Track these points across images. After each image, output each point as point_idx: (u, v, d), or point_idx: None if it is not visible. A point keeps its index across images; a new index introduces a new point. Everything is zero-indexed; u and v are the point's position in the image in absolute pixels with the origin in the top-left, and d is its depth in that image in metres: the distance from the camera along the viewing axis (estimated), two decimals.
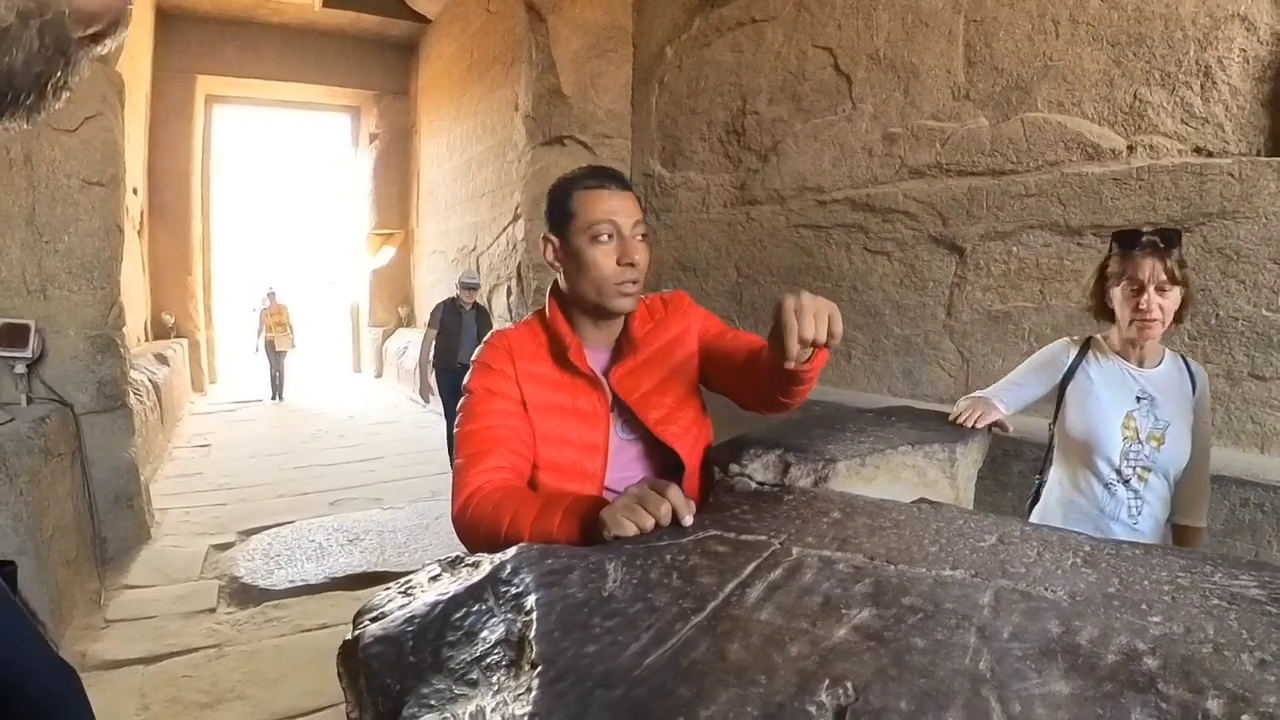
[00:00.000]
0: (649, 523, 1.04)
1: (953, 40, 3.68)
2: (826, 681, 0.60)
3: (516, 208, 7.36)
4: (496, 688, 0.66)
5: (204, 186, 11.77)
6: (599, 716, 0.57)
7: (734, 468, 1.35)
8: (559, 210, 1.45)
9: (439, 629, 0.79)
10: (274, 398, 10.85)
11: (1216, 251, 2.83)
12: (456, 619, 0.79)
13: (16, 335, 3.89)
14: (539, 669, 0.64)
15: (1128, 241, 1.91)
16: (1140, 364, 2.00)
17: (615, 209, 1.40)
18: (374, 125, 12.80)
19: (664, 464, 1.48)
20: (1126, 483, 1.95)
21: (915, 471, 1.40)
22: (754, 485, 1.31)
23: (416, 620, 0.82)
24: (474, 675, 0.70)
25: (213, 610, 3.81)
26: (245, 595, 3.96)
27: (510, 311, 7.79)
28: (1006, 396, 2.11)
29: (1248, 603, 0.78)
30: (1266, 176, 2.69)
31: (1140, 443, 1.94)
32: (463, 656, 0.73)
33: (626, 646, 0.69)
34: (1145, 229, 1.90)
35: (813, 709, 0.56)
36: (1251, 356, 2.77)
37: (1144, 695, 0.60)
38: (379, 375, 12.70)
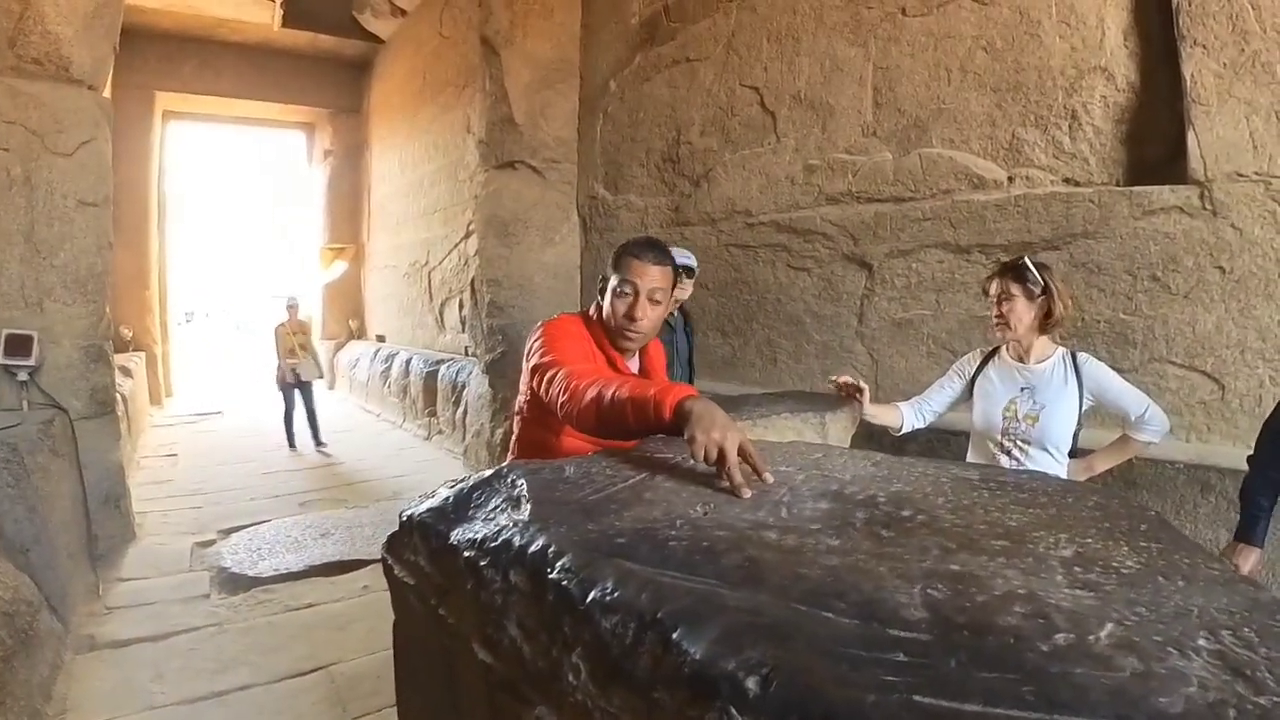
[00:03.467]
0: (717, 465, 1.26)
1: (863, 84, 4.24)
2: (700, 504, 1.11)
3: (469, 225, 7.77)
4: (507, 515, 1.14)
5: (160, 202, 11.89)
6: (563, 513, 1.07)
7: None
8: (615, 264, 1.99)
9: (465, 501, 1.25)
10: (293, 446, 8.26)
11: (1081, 266, 3.39)
12: (476, 496, 1.26)
13: (20, 345, 4.22)
14: (530, 502, 1.14)
15: (995, 270, 2.60)
16: (1024, 361, 2.58)
17: (639, 274, 1.92)
18: (328, 142, 13.06)
19: None
20: (1008, 453, 2.53)
21: (794, 431, 1.92)
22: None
23: (449, 499, 1.28)
24: (493, 515, 1.16)
25: (207, 596, 4.16)
26: (235, 583, 4.31)
27: (463, 324, 8.17)
28: (933, 398, 2.78)
29: (964, 480, 1.31)
30: (1121, 203, 3.25)
31: (1018, 421, 2.52)
32: (484, 510, 1.20)
33: (577, 494, 1.19)
34: (1003, 261, 2.61)
35: (692, 512, 1.07)
36: (1112, 352, 3.30)
37: (868, 509, 1.13)
38: (331, 387, 12.88)
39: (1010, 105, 3.65)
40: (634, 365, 2.08)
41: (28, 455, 3.62)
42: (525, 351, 1.99)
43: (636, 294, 1.91)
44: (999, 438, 2.56)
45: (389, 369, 9.97)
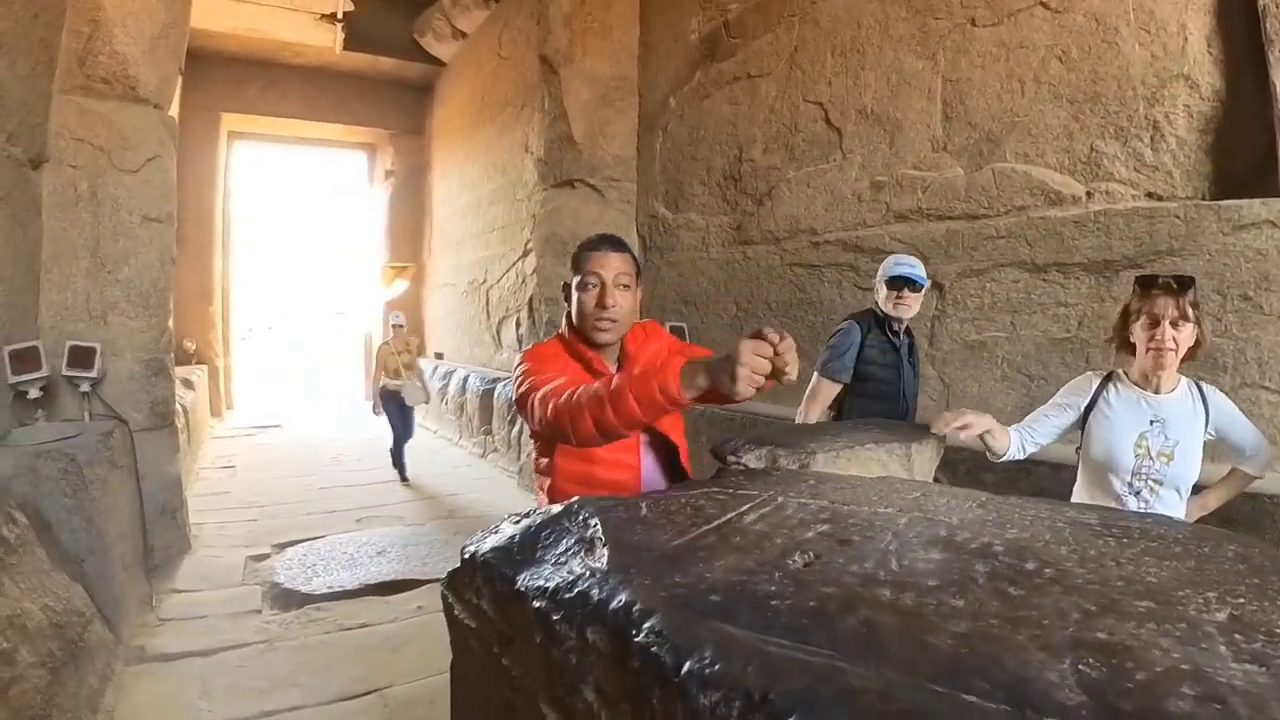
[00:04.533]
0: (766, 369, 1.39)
1: (932, 98, 4.10)
2: (798, 552, 0.99)
3: (527, 243, 7.76)
4: (580, 560, 1.03)
5: (225, 220, 12.15)
6: (645, 561, 0.96)
7: (731, 458, 1.74)
8: (573, 265, 1.97)
9: (534, 541, 1.15)
10: (404, 478, 7.56)
11: None
12: (545, 535, 1.16)
13: (84, 357, 4.27)
14: (607, 546, 1.03)
15: (1148, 283, 2.23)
16: (1156, 391, 2.27)
17: (600, 265, 1.90)
18: (389, 162, 13.26)
19: (663, 448, 1.98)
20: (1137, 494, 2.24)
21: (879, 464, 1.79)
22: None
23: (515, 539, 1.18)
24: (564, 559, 1.06)
25: (258, 612, 4.13)
26: (287, 599, 4.28)
27: (520, 342, 8.16)
28: (1039, 426, 2.44)
29: (1083, 525, 1.17)
30: (1209, 218, 3.07)
31: (1151, 459, 2.22)
32: (553, 553, 1.10)
33: (658, 538, 1.07)
34: (1163, 275, 2.23)
35: (789, 562, 0.95)
36: (1200, 378, 3.11)
37: (986, 560, 0.99)
38: None
39: (1088, 117, 3.49)
40: (612, 367, 1.99)
41: (86, 466, 3.64)
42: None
43: (602, 283, 1.89)
44: (1128, 477, 2.25)
45: (446, 386, 9.98)
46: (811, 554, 0.99)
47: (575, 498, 1.29)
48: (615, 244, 1.96)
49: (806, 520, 1.14)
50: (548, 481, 1.97)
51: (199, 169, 11.13)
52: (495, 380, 8.50)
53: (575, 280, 1.95)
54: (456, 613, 1.25)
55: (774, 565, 0.95)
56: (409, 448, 7.81)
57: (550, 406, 1.63)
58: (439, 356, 11.61)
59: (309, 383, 16.86)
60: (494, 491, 7.14)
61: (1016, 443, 2.40)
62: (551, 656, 0.89)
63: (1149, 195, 3.33)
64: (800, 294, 4.89)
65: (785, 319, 4.98)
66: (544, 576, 1.01)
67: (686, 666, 0.70)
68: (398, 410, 7.68)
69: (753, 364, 1.37)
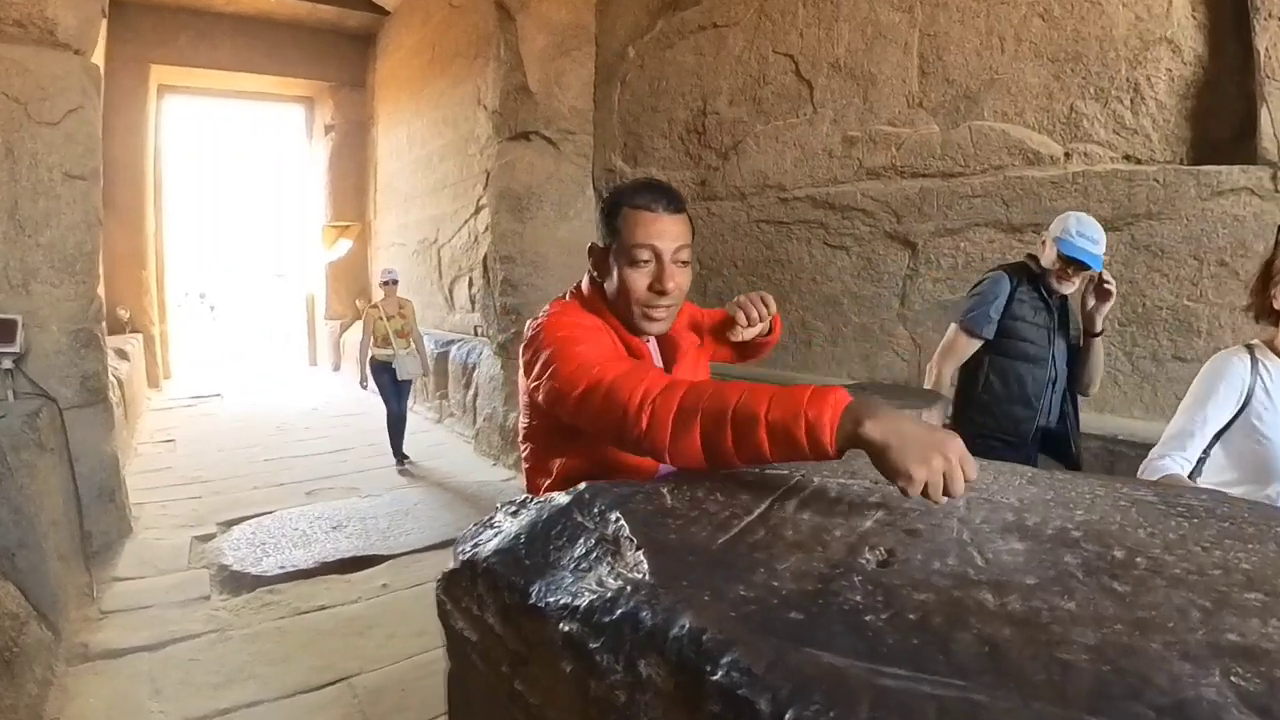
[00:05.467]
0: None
1: (908, 52, 3.97)
2: (866, 548, 0.86)
3: (479, 200, 7.48)
4: (610, 565, 0.88)
5: (156, 178, 11.55)
6: (694, 568, 0.81)
7: None
8: (609, 224, 1.52)
9: (544, 540, 1.00)
10: (401, 461, 6.62)
11: (1143, 249, 3.18)
12: (555, 533, 1.00)
13: (4, 331, 3.92)
14: (642, 549, 0.88)
15: None
16: None
17: (658, 233, 1.46)
18: (329, 116, 12.72)
19: None
20: None
21: None
22: None
23: (522, 539, 1.03)
24: (585, 565, 0.91)
25: (207, 598, 3.89)
26: (237, 582, 4.04)
27: (473, 303, 7.92)
28: (1199, 433, 1.88)
29: (1145, 503, 1.08)
30: (1187, 182, 3.04)
31: None
32: (570, 555, 0.95)
33: (698, 535, 0.92)
34: None
35: (863, 561, 0.82)
36: (1174, 341, 3.12)
37: (1072, 549, 0.88)
38: (337, 368, 12.67)
39: (1068, 76, 3.41)
40: (653, 345, 1.65)
41: (11, 452, 3.33)
42: (521, 363, 1.52)
43: (658, 259, 1.47)
44: None
45: None
46: (883, 550, 0.86)
47: (582, 484, 1.13)
48: (673, 201, 1.50)
49: (857, 505, 1.01)
50: (545, 482, 1.56)
51: (127, 124, 10.52)
52: (449, 343, 8.26)
53: (614, 246, 1.50)
54: (454, 622, 1.09)
55: (847, 566, 0.81)
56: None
57: (651, 413, 1.19)
58: None
59: (250, 349, 16.34)
60: (451, 458, 6.96)
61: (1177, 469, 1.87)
62: (589, 690, 0.75)
63: (1127, 158, 3.29)
64: (767, 251, 4.77)
65: (752, 277, 4.86)
66: (567, 589, 0.86)
67: (790, 715, 0.56)
68: (391, 385, 6.65)
69: (959, 461, 0.96)
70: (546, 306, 1.57)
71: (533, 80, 5.94)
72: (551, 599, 0.85)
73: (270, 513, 5.17)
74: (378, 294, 7.05)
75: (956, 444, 0.96)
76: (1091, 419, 3.20)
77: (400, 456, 6.64)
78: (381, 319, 6.66)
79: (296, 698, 2.97)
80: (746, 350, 1.98)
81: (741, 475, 1.16)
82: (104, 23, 4.70)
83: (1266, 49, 2.82)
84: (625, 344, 1.52)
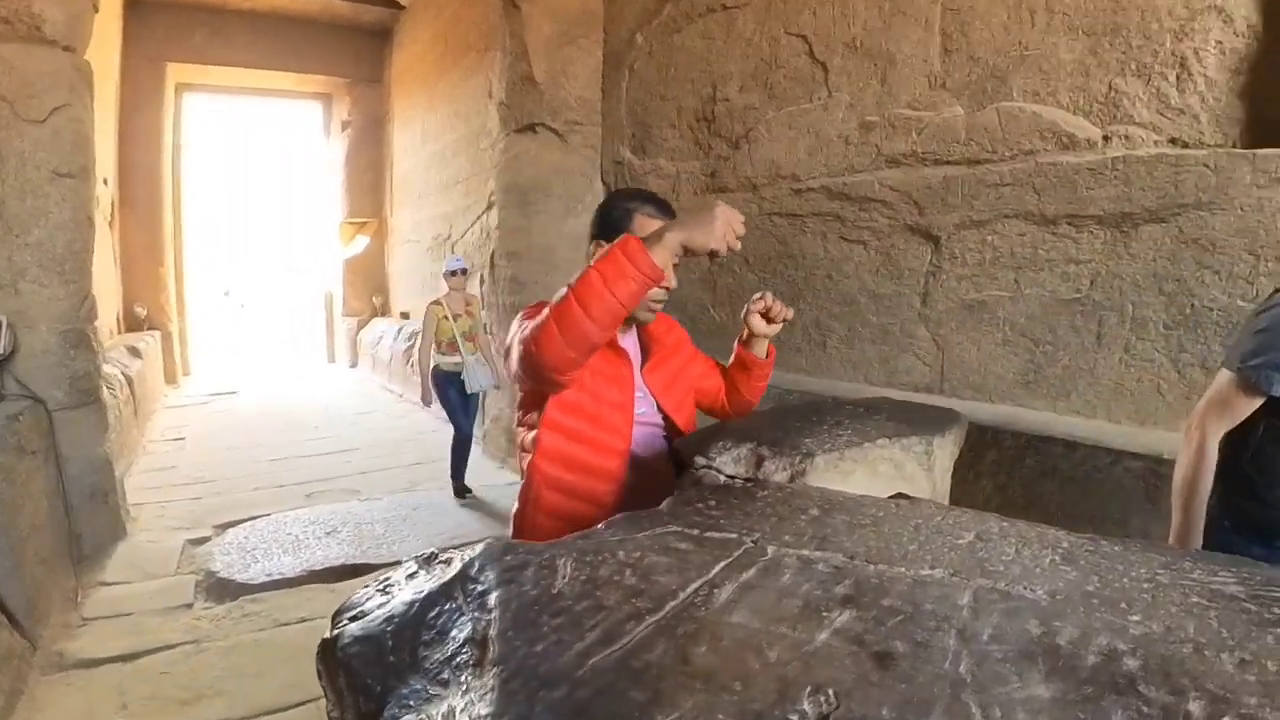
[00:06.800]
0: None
1: (929, 29, 3.68)
2: (808, 688, 0.60)
3: (490, 195, 7.29)
4: (464, 688, 0.67)
5: (175, 176, 11.57)
6: (543, 718, 0.58)
7: (701, 460, 1.34)
8: (615, 221, 1.69)
9: (415, 628, 0.79)
10: (461, 494, 5.61)
11: (1192, 242, 2.85)
12: (431, 617, 0.80)
13: None
14: (496, 669, 0.65)
15: None
16: None
17: None
18: (346, 113, 12.65)
19: (663, 433, 1.78)
20: None
21: (893, 465, 1.41)
22: (723, 479, 1.30)
23: (395, 620, 0.82)
24: (446, 675, 0.71)
25: (189, 606, 3.78)
26: (222, 590, 3.92)
27: (483, 300, 7.73)
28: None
29: (1227, 600, 0.79)
30: (1242, 168, 2.70)
31: None
32: (437, 656, 0.74)
33: (571, 646, 0.69)
34: None
35: (794, 718, 0.56)
36: (1226, 345, 2.80)
37: (1124, 698, 0.61)
38: (354, 365, 12.62)
39: (1106, 51, 3.08)
40: (630, 341, 1.81)
41: None
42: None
43: None
44: None
45: (412, 347, 9.56)
46: (830, 697, 0.60)
47: (482, 545, 0.90)
48: (666, 208, 1.74)
49: (816, 600, 0.75)
50: (528, 459, 1.71)
51: (144, 123, 10.58)
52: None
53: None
54: (327, 698, 0.88)
55: (777, 715, 0.56)
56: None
57: (523, 340, 1.46)
58: (404, 316, 11.22)
59: (271, 346, 16.37)
60: None
61: None
62: None
63: (1173, 141, 2.95)
64: (780, 246, 4.49)
65: (764, 273, 4.60)
66: (420, 711, 0.63)
67: None
68: (458, 399, 5.64)
69: (727, 214, 1.36)
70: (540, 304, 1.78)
71: (538, 70, 5.72)
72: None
73: (266, 515, 5.04)
74: (440, 288, 5.89)
75: (720, 206, 1.36)
76: (1131, 433, 2.91)
77: (463, 489, 5.64)
78: (447, 318, 5.60)
79: (263, 719, 2.84)
80: (742, 383, 1.96)
81: (672, 539, 0.91)
82: (120, 24, 4.63)
83: None
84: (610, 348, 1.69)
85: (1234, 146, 2.80)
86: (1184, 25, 2.87)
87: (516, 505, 1.76)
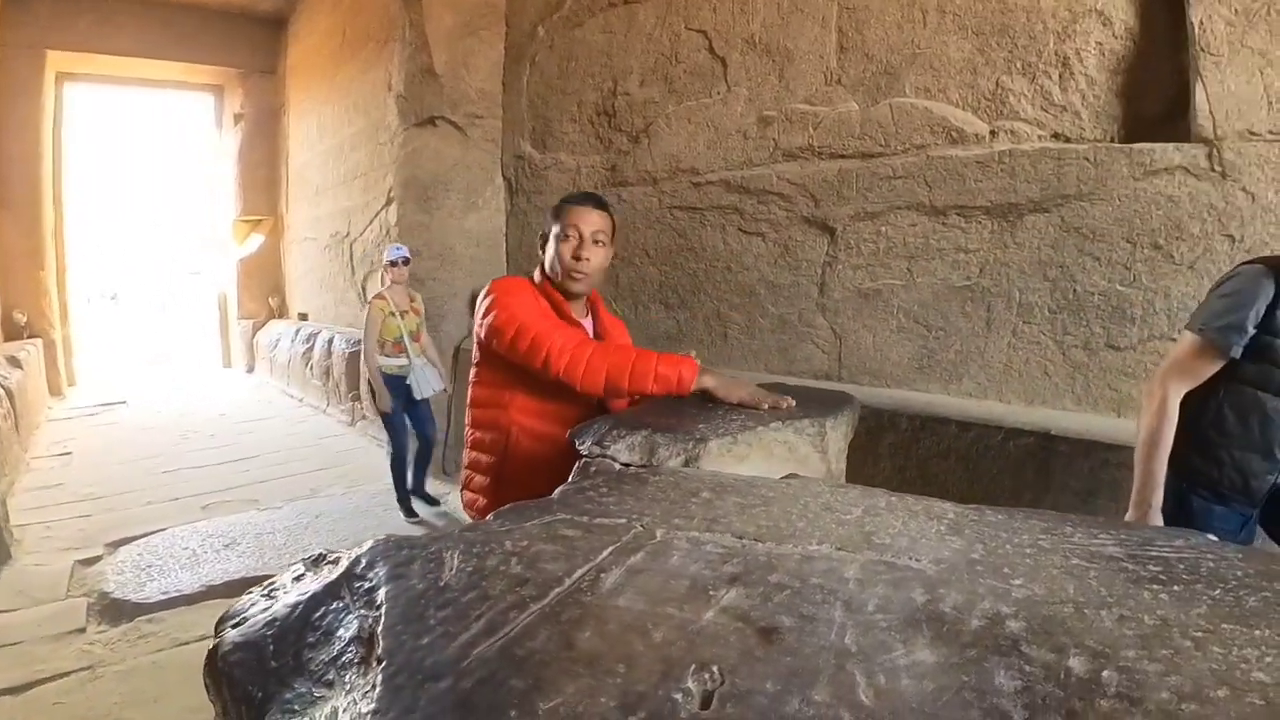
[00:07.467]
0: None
1: (826, 26, 3.77)
2: (693, 667, 0.61)
3: (389, 191, 7.12)
4: (349, 687, 0.65)
5: (56, 172, 10.81)
6: (428, 711, 0.57)
7: (595, 449, 1.34)
8: (553, 216, 2.07)
9: (299, 630, 0.77)
10: (409, 514, 5.04)
11: (1074, 231, 3.02)
12: (316, 619, 0.78)
13: None
14: (382, 664, 0.64)
15: None
16: None
17: (580, 219, 2.02)
18: (239, 105, 12.09)
19: None
20: None
21: (787, 447, 1.44)
22: (618, 467, 1.30)
23: (277, 623, 0.80)
24: (331, 676, 0.69)
25: (82, 630, 3.54)
26: (117, 611, 3.69)
27: None
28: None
29: (1106, 560, 0.83)
30: (1120, 161, 2.89)
31: None
32: (321, 657, 0.72)
33: (456, 637, 0.68)
34: None
35: (678, 696, 0.57)
36: (1107, 328, 2.97)
37: (1007, 658, 0.64)
38: (250, 370, 12.10)
39: (994, 50, 3.25)
40: (588, 324, 2.15)
41: None
42: (475, 314, 2.04)
43: (580, 236, 2.01)
44: None
45: (310, 350, 9.24)
46: (715, 673, 0.61)
47: (370, 543, 0.88)
48: (598, 202, 2.10)
49: (704, 580, 0.76)
50: (505, 415, 2.00)
51: (22, 115, 9.82)
52: (362, 341, 7.85)
53: (554, 230, 2.06)
54: (216, 708, 0.84)
55: (650, 707, 0.56)
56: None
57: (569, 356, 1.81)
58: (303, 317, 10.79)
59: (162, 352, 15.59)
60: (362, 463, 6.55)
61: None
62: None
63: (1055, 136, 3.13)
64: (680, 239, 4.54)
65: (665, 266, 4.63)
66: (302, 713, 0.61)
67: None
68: (404, 405, 5.04)
69: (760, 397, 1.74)
70: (508, 278, 2.12)
71: (439, 62, 5.61)
72: None
73: (161, 530, 4.78)
74: (385, 279, 5.16)
75: (755, 389, 1.83)
76: (1020, 412, 3.05)
77: (411, 511, 5.03)
78: (394, 314, 4.96)
79: None
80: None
81: (560, 525, 0.91)
82: None
83: (1200, 21, 2.67)
84: (555, 304, 2.02)
85: (1112, 141, 2.98)
86: (1067, 27, 3.04)
87: (488, 475, 2.03)
